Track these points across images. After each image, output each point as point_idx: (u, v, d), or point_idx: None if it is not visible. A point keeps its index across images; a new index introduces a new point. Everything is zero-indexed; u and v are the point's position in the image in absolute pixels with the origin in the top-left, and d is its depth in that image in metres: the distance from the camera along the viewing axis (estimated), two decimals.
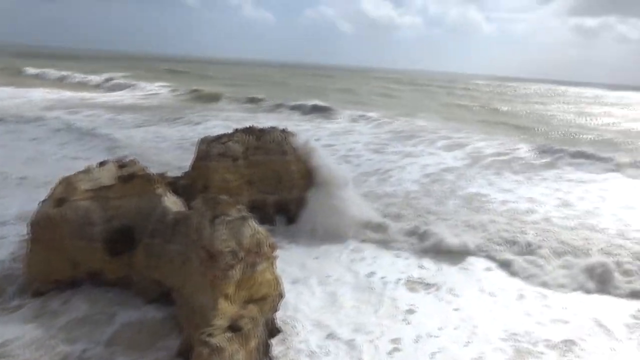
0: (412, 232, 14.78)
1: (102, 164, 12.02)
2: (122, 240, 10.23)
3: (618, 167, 24.88)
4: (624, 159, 26.37)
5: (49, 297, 9.96)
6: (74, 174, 11.07)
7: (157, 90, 59.49)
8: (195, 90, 56.74)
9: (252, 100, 50.01)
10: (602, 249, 13.84)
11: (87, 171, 11.30)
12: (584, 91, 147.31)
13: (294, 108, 45.41)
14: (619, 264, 12.65)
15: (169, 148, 25.95)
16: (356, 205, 15.48)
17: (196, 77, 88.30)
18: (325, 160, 16.15)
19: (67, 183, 10.63)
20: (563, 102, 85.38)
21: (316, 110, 44.11)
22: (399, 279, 12.02)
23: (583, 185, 22.03)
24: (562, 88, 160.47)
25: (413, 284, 11.83)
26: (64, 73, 75.74)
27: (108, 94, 56.80)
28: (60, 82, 67.94)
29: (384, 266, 12.78)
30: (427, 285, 11.78)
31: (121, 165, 12.05)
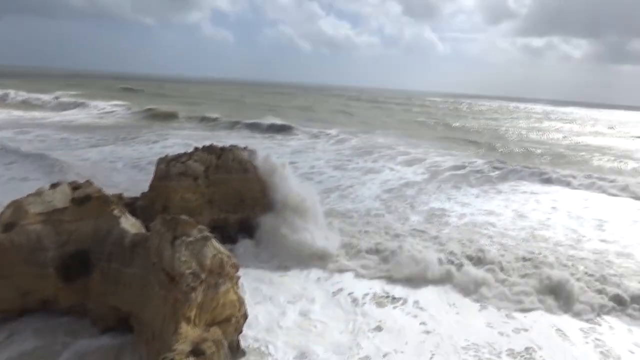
0: (375, 250, 14.76)
1: (54, 185, 11.53)
2: (76, 265, 9.78)
3: (565, 179, 26.26)
4: (569, 171, 28.18)
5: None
6: (24, 197, 10.55)
7: (111, 108, 57.88)
8: (150, 109, 55.36)
9: (208, 119, 49.38)
10: (557, 259, 14.35)
11: (38, 194, 10.81)
12: (532, 107, 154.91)
13: (253, 126, 45.35)
14: (573, 275, 13.11)
15: (125, 168, 25.23)
16: (310, 233, 14.71)
17: (152, 96, 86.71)
18: (286, 181, 15.80)
19: (17, 206, 10.10)
20: (514, 118, 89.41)
21: (275, 128, 44.29)
22: (366, 295, 12.02)
23: (535, 197, 23.11)
24: (513, 104, 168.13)
25: (380, 300, 11.86)
26: (7, 91, 71.12)
27: (61, 112, 54.79)
28: (1, 102, 64.29)
29: (350, 283, 12.74)
30: (394, 300, 11.84)
31: (75, 187, 11.58)
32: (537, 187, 25.33)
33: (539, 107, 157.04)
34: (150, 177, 15.16)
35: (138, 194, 15.11)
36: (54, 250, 9.80)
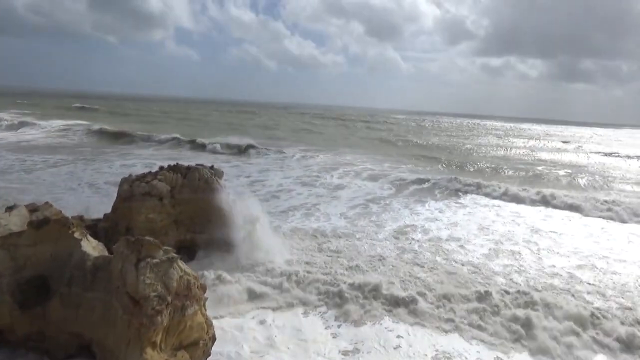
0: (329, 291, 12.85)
1: (10, 208, 11.06)
2: (34, 291, 9.35)
3: (523, 194, 27.17)
4: (526, 186, 29.45)
5: None
6: None
7: (66, 128, 55.90)
8: (105, 129, 53.11)
9: (170, 139, 48.23)
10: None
11: None
12: (492, 123, 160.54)
13: (216, 145, 44.73)
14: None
15: (85, 189, 24.48)
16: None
17: (111, 115, 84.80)
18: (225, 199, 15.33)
19: None
20: (474, 135, 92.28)
21: (239, 147, 43.89)
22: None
23: (496, 209, 23.95)
24: (474, 121, 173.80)
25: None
26: None
27: (14, 132, 52.68)
28: None
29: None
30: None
31: (33, 209, 11.15)
32: (496, 201, 26.29)
33: (498, 124, 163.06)
34: (112, 198, 14.79)
35: (100, 216, 14.70)
36: (9, 277, 9.34)
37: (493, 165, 41.26)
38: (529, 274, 14.96)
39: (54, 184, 25.43)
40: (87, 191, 24.08)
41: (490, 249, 17.36)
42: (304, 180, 30.21)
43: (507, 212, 23.70)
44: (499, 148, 62.94)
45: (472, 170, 38.76)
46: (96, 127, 55.18)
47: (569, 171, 39.84)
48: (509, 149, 63.12)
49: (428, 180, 30.02)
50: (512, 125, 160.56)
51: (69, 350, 9.15)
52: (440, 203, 25.23)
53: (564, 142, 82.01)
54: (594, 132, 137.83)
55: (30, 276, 9.47)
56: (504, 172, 38.08)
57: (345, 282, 13.12)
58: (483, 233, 19.55)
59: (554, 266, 15.76)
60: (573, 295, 13.29)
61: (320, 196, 25.74)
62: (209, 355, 8.73)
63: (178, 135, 49.35)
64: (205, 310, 8.67)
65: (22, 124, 58.36)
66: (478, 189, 28.59)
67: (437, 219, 21.61)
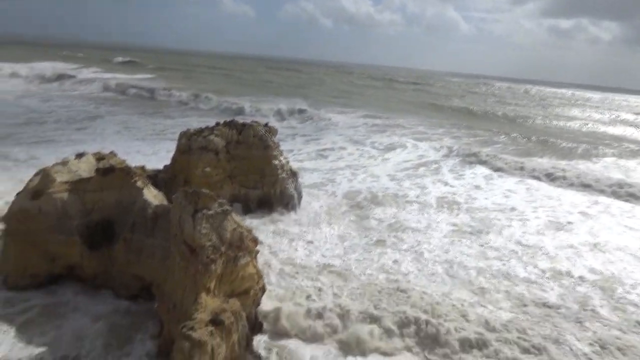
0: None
1: (79, 155, 11.80)
2: (100, 234, 10.06)
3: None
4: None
5: (25, 292, 9.74)
6: (52, 166, 10.85)
7: (125, 82, 56.93)
8: (149, 88, 50.98)
9: (227, 99, 46.97)
10: None
11: (64, 163, 11.09)
12: (558, 91, 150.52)
13: (269, 105, 44.02)
14: None
15: (147, 141, 25.58)
16: None
17: (159, 70, 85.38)
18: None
19: (44, 175, 10.39)
20: (537, 102, 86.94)
21: (293, 108, 43.55)
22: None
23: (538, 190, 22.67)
24: (537, 88, 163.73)
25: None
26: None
27: (72, 85, 53.75)
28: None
29: None
30: None
31: (99, 157, 11.85)
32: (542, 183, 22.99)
33: (564, 91, 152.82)
34: (172, 150, 15.41)
35: (160, 167, 15.38)
36: (79, 219, 10.07)
37: (552, 140, 37.59)
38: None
39: (119, 133, 26.86)
40: (150, 143, 25.14)
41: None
42: (358, 138, 30.79)
43: (541, 195, 21.07)
44: (562, 119, 58.81)
45: (528, 143, 36.05)
46: (145, 83, 55.63)
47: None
48: (573, 120, 58.73)
49: (475, 154, 27.29)
50: (580, 93, 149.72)
51: (132, 291, 9.86)
52: (486, 169, 24.38)
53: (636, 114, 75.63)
54: None
55: (98, 220, 10.16)
56: (563, 146, 34.95)
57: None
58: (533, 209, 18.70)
59: None
60: None
61: (371, 157, 25.77)
62: (259, 304, 9.11)
63: (235, 97, 48.09)
64: (257, 262, 8.99)
65: (73, 76, 57.70)
66: (531, 161, 26.49)
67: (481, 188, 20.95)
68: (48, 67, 64.32)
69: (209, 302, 7.53)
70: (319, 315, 9.51)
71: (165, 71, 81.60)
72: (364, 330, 9.24)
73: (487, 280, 11.96)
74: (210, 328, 7.04)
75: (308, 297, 10.23)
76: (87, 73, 64.14)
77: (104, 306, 9.57)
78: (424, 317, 9.62)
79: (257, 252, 9.08)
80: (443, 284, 11.65)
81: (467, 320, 9.80)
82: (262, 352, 8.53)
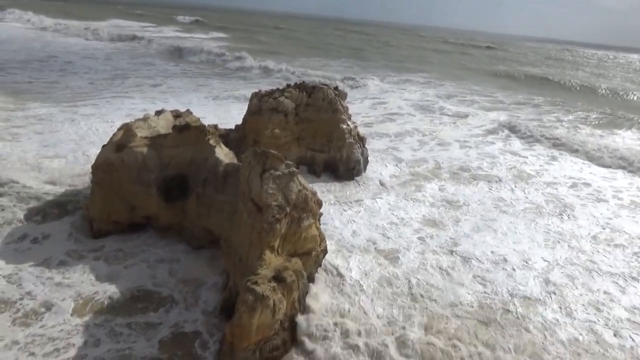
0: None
1: (158, 112, 12.45)
2: (176, 187, 10.66)
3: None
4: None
5: (109, 237, 10.67)
6: (133, 121, 11.55)
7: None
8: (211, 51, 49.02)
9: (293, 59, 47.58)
10: None
11: (144, 119, 11.76)
12: None
13: (333, 69, 43.67)
14: None
15: (221, 102, 26.39)
16: None
17: (222, 29, 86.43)
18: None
19: (127, 129, 11.10)
20: (625, 72, 78.69)
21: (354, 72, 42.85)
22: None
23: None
24: (633, 56, 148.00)
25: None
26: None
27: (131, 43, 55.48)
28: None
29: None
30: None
31: (176, 115, 12.43)
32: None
33: None
34: (243, 111, 15.79)
35: (232, 126, 15.86)
36: (157, 172, 10.71)
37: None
38: None
39: (192, 92, 27.96)
40: (223, 103, 25.94)
41: None
42: (423, 104, 30.05)
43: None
44: None
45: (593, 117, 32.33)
46: (215, 44, 55.83)
47: None
48: None
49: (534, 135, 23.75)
50: None
51: (202, 243, 10.46)
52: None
53: None
54: None
55: (173, 174, 10.75)
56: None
57: None
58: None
59: None
60: None
61: (441, 124, 25.08)
62: (320, 265, 9.34)
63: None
64: (320, 224, 9.14)
65: (142, 37, 56.79)
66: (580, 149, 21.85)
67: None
68: (122, 24, 68.46)
69: (273, 260, 7.82)
70: None
71: (231, 31, 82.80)
72: None
73: None
74: (273, 284, 7.33)
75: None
76: (161, 32, 67.82)
77: (175, 254, 10.27)
78: None
79: (321, 214, 9.22)
80: None
81: None
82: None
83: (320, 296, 8.79)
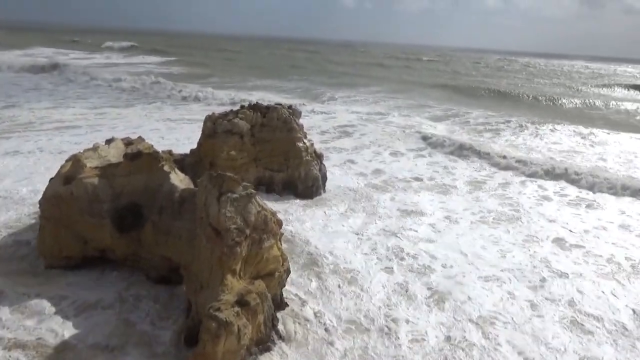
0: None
1: (109, 141, 12.11)
2: (130, 217, 10.31)
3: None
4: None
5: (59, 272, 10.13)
6: (82, 152, 11.17)
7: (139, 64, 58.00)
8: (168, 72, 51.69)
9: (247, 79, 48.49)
10: None
11: (94, 149, 11.40)
12: (597, 66, 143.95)
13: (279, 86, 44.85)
14: None
15: (172, 126, 25.93)
16: None
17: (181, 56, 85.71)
18: None
19: (75, 160, 10.70)
20: (576, 79, 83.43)
21: (303, 88, 44.36)
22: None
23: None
24: (575, 62, 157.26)
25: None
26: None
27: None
28: None
29: None
30: None
31: (128, 142, 12.12)
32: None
33: (599, 65, 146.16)
34: (197, 134, 15.59)
35: (186, 151, 15.60)
36: (109, 203, 10.35)
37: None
38: None
39: (144, 117, 27.47)
40: (175, 128, 25.48)
41: None
42: (370, 117, 31.33)
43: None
44: (613, 100, 51.75)
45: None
46: (158, 70, 55.85)
47: None
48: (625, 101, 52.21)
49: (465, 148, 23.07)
50: (622, 68, 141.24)
51: (161, 272, 10.12)
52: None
53: None
54: None
55: (126, 203, 10.41)
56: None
57: None
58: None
59: None
60: None
61: (391, 134, 25.83)
62: (284, 286, 9.23)
63: (251, 78, 47.85)
64: (281, 244, 9.07)
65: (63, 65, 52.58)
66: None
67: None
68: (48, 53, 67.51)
69: (235, 284, 7.67)
70: None
71: (174, 56, 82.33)
72: None
73: None
74: (237, 309, 7.18)
75: None
76: (100, 59, 67.99)
77: (137, 287, 9.86)
78: None
79: (282, 234, 9.16)
80: None
81: None
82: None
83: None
